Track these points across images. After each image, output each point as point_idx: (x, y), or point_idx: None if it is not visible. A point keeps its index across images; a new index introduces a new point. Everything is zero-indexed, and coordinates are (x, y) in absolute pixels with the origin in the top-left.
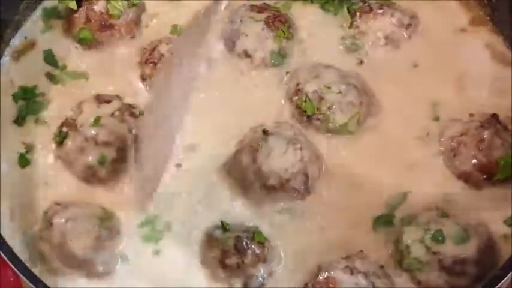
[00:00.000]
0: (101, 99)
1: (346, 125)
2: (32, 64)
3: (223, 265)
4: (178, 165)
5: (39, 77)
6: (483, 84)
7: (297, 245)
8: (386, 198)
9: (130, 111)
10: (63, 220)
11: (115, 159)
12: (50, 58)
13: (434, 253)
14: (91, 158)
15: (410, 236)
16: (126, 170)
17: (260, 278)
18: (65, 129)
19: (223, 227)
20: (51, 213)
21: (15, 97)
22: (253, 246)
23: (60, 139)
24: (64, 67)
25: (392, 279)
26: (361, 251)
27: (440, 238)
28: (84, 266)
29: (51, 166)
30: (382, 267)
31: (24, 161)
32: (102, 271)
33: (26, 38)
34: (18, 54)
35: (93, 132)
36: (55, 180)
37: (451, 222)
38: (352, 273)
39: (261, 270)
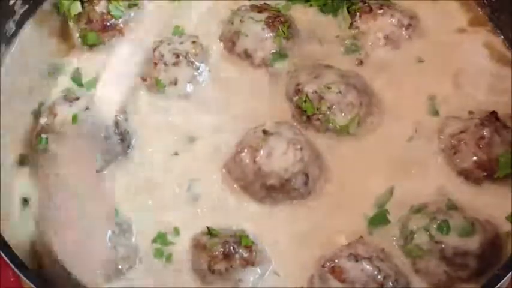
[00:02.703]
0: (69, 98)
1: (346, 126)
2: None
3: (212, 270)
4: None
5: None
6: (482, 82)
7: (296, 245)
8: (379, 196)
9: None
10: None
11: (104, 150)
12: (77, 79)
13: (436, 242)
14: None
15: (416, 223)
16: (118, 157)
17: (250, 281)
18: (44, 136)
19: (210, 232)
20: None
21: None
22: (240, 250)
23: (44, 146)
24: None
25: (395, 263)
26: (361, 236)
27: (445, 228)
28: (105, 267)
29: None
30: (383, 250)
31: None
32: (124, 267)
33: None
34: None
35: (75, 129)
36: None
37: (459, 214)
38: (356, 260)
39: (250, 274)
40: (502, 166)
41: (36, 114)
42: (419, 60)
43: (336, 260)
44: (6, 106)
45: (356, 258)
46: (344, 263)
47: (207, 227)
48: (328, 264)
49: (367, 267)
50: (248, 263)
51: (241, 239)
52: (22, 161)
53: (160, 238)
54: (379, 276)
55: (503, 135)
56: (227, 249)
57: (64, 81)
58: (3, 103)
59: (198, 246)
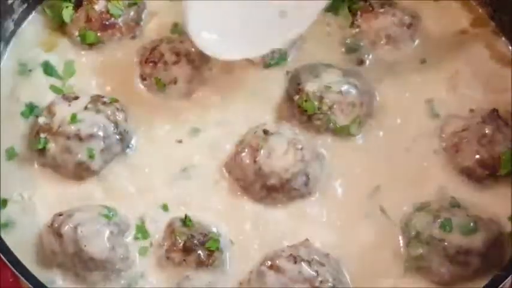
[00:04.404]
0: (68, 98)
1: (347, 127)
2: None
3: (168, 257)
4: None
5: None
6: (482, 81)
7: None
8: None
9: (101, 101)
10: (72, 228)
11: (103, 150)
12: (49, 70)
13: (439, 240)
14: (80, 155)
15: (419, 222)
16: (117, 157)
17: (194, 282)
18: (42, 135)
19: (185, 221)
20: (57, 224)
21: (24, 115)
22: (200, 250)
23: (42, 146)
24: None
25: (340, 267)
26: (307, 239)
27: (447, 226)
28: (104, 267)
29: (38, 176)
30: (327, 255)
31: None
32: (123, 268)
33: None
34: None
35: (73, 129)
36: (47, 190)
37: (462, 212)
38: (295, 262)
39: (199, 275)
40: (505, 164)
41: (27, 116)
42: (421, 60)
43: (277, 260)
44: None
45: (295, 259)
46: (283, 263)
47: (185, 215)
48: (267, 262)
49: (306, 269)
50: (203, 265)
51: (208, 240)
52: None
53: (140, 232)
54: (316, 280)
55: (504, 133)
56: (188, 243)
57: (53, 80)
58: None
59: (169, 228)
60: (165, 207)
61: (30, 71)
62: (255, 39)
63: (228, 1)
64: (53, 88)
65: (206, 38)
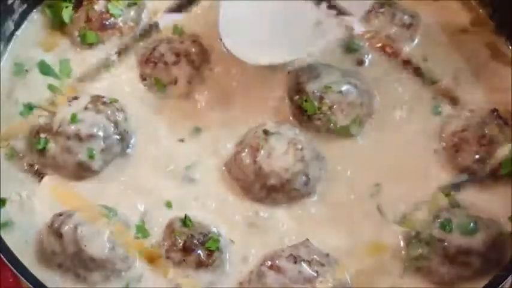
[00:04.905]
0: (68, 98)
1: (347, 127)
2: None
3: (168, 256)
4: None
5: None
6: (482, 81)
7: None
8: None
9: (101, 101)
10: (72, 228)
11: (103, 150)
12: (45, 69)
13: (439, 240)
14: (80, 155)
15: (419, 221)
16: (117, 157)
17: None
18: (42, 135)
19: (185, 221)
20: (57, 224)
21: (23, 114)
22: (200, 250)
23: (42, 146)
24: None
25: (335, 267)
26: (307, 239)
27: (447, 226)
28: (105, 267)
29: (37, 176)
30: (327, 255)
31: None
32: (122, 268)
33: None
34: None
35: (73, 128)
36: (47, 190)
37: (462, 213)
38: (295, 262)
39: (199, 275)
40: (505, 164)
41: (26, 116)
42: (420, 59)
43: (277, 260)
44: None
45: (295, 259)
46: (283, 263)
47: (185, 215)
48: (267, 262)
49: (306, 269)
50: (203, 265)
51: (208, 240)
52: None
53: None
54: (316, 280)
55: (505, 133)
56: (188, 243)
57: (51, 80)
58: None
59: (169, 228)
60: (165, 207)
61: (26, 71)
62: (286, 45)
63: (262, 7)
64: (51, 88)
65: (237, 41)
